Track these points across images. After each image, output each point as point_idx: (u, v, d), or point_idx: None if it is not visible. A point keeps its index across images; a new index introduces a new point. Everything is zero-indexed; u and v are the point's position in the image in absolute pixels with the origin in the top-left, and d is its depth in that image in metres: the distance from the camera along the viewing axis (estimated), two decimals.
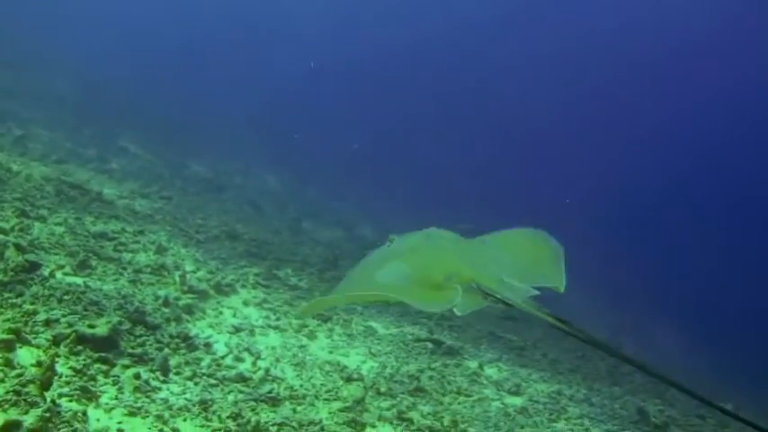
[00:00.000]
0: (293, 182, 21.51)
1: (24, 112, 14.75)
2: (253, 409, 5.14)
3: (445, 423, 6.14)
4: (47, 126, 14.34)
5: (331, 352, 7.16)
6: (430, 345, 8.57)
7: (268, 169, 21.82)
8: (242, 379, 5.59)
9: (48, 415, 3.83)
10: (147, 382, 4.90)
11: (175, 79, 31.31)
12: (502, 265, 4.35)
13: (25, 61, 21.48)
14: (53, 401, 4.07)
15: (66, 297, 5.54)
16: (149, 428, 4.39)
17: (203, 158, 18.89)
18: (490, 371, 8.54)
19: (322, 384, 6.15)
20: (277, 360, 6.33)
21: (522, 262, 4.49)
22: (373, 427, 5.69)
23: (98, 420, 4.24)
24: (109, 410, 4.39)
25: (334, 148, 28.89)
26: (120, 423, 4.30)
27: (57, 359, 4.60)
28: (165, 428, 4.44)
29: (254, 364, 6.03)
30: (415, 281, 3.99)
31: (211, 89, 32.04)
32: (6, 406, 3.85)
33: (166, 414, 4.60)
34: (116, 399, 4.55)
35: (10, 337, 4.56)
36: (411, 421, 5.99)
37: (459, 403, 6.98)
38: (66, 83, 21.86)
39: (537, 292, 4.00)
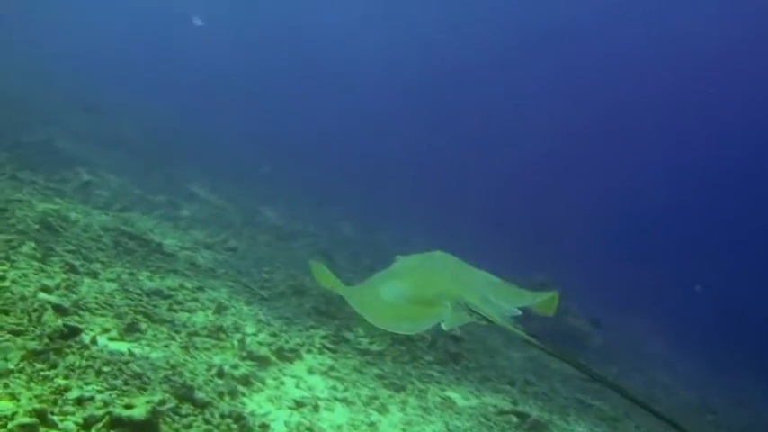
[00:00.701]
0: (364, 226, 21.01)
1: (95, 157, 14.50)
2: None
3: None
4: (117, 171, 14.04)
5: (404, 430, 6.30)
6: (515, 418, 7.64)
7: (338, 214, 21.38)
8: None
9: None
10: None
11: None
12: (490, 285, 4.78)
13: (99, 106, 21.82)
14: None
15: (105, 368, 4.86)
16: None
17: (275, 203, 18.48)
18: None
19: None
20: None
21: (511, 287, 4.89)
22: None
23: None
24: None
25: (395, 187, 28.96)
26: None
27: None
28: None
29: None
30: (410, 298, 4.41)
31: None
32: None
33: None
34: None
35: (33, 421, 3.91)
36: None
37: None
38: (135, 127, 21.96)
39: (519, 313, 4.33)
